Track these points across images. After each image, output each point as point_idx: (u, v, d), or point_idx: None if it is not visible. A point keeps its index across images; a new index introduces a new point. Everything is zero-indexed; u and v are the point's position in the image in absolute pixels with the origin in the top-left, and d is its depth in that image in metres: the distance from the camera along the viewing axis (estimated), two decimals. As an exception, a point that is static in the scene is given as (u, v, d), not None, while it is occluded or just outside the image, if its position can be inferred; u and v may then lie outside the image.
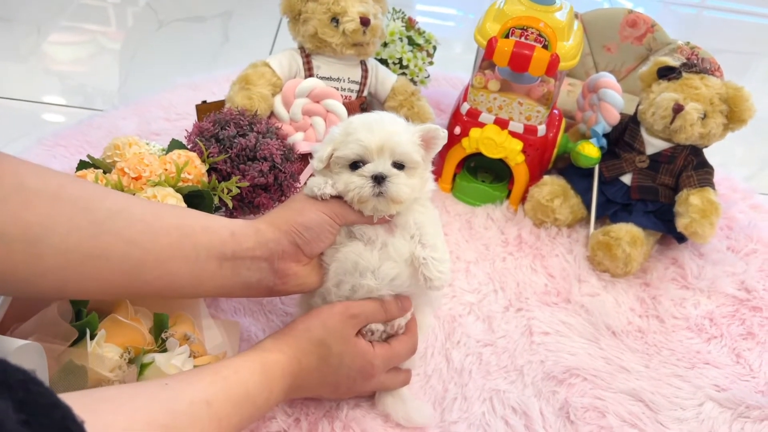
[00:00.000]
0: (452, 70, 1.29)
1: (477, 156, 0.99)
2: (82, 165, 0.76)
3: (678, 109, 0.89)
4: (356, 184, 0.62)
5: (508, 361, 0.81)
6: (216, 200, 0.75)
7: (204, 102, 0.96)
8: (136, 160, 0.72)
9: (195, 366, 0.65)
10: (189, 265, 0.60)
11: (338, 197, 0.65)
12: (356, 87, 0.98)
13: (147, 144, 0.79)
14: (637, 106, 0.97)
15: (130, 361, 0.62)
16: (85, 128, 1.06)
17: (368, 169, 0.63)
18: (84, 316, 0.63)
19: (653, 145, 0.95)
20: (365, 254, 0.65)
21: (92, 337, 0.62)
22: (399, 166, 0.64)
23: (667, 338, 0.86)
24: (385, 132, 0.63)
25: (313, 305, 0.69)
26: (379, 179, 0.62)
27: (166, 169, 0.73)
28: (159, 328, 0.68)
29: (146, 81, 1.25)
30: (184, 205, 0.71)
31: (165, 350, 0.66)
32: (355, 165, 0.64)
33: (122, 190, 0.70)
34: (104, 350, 0.61)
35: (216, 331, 0.74)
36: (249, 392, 0.58)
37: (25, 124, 1.13)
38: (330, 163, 0.66)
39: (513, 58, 0.88)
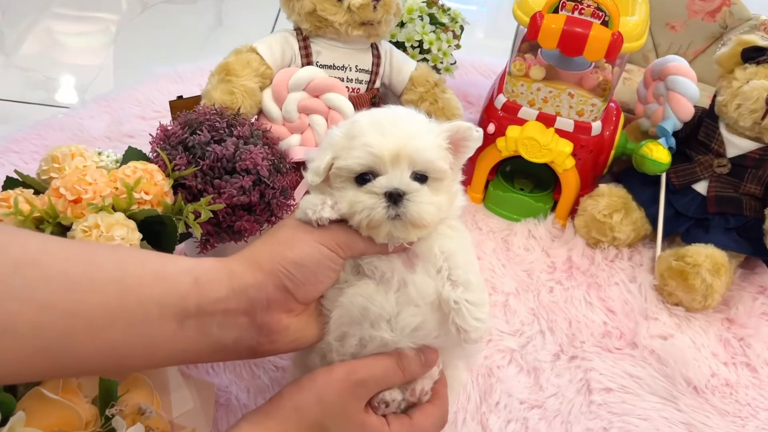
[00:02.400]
0: (478, 55, 1.21)
1: (514, 159, 0.89)
2: (10, 183, 0.64)
3: (773, 101, 0.78)
4: (365, 204, 0.52)
5: (561, 429, 0.70)
6: (182, 227, 0.62)
7: (180, 98, 0.85)
8: (75, 178, 0.59)
9: (151, 455, 0.53)
10: (136, 330, 0.48)
11: (341, 221, 0.54)
12: (366, 77, 0.88)
13: (99, 154, 0.67)
14: (714, 96, 0.87)
15: (58, 455, 0.49)
16: (45, 129, 0.98)
17: (380, 184, 0.52)
18: (-1, 391, 0.51)
19: (736, 145, 0.85)
20: (378, 297, 0.54)
21: (4, 422, 0.49)
22: (421, 178, 0.54)
23: (763, 394, 0.74)
24: (402, 134, 0.53)
25: (310, 365, 0.58)
26: (394, 197, 0.52)
27: (116, 188, 0.60)
28: (105, 399, 0.55)
29: (123, 72, 1.17)
30: (137, 235, 0.59)
31: (112, 431, 0.53)
32: (362, 178, 0.54)
33: (56, 218, 0.58)
34: (21, 441, 0.50)
35: (186, 392, 0.65)
36: None
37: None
38: (329, 176, 0.55)
39: (564, 39, 0.77)
